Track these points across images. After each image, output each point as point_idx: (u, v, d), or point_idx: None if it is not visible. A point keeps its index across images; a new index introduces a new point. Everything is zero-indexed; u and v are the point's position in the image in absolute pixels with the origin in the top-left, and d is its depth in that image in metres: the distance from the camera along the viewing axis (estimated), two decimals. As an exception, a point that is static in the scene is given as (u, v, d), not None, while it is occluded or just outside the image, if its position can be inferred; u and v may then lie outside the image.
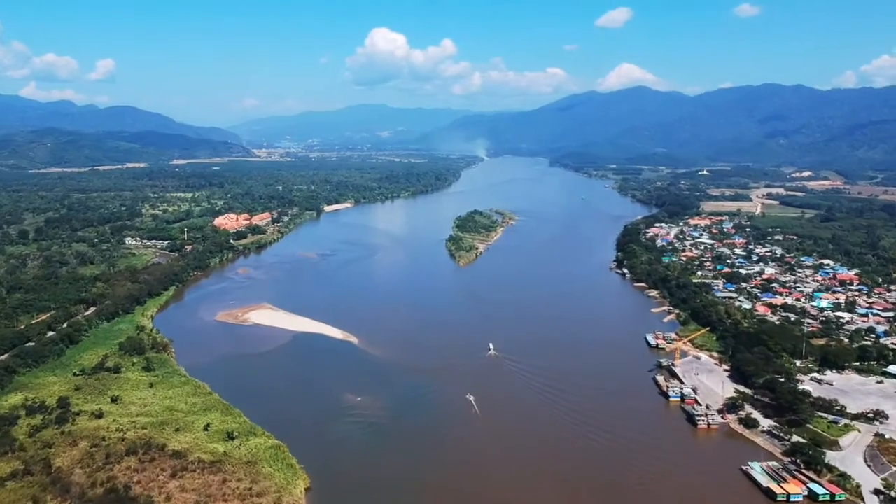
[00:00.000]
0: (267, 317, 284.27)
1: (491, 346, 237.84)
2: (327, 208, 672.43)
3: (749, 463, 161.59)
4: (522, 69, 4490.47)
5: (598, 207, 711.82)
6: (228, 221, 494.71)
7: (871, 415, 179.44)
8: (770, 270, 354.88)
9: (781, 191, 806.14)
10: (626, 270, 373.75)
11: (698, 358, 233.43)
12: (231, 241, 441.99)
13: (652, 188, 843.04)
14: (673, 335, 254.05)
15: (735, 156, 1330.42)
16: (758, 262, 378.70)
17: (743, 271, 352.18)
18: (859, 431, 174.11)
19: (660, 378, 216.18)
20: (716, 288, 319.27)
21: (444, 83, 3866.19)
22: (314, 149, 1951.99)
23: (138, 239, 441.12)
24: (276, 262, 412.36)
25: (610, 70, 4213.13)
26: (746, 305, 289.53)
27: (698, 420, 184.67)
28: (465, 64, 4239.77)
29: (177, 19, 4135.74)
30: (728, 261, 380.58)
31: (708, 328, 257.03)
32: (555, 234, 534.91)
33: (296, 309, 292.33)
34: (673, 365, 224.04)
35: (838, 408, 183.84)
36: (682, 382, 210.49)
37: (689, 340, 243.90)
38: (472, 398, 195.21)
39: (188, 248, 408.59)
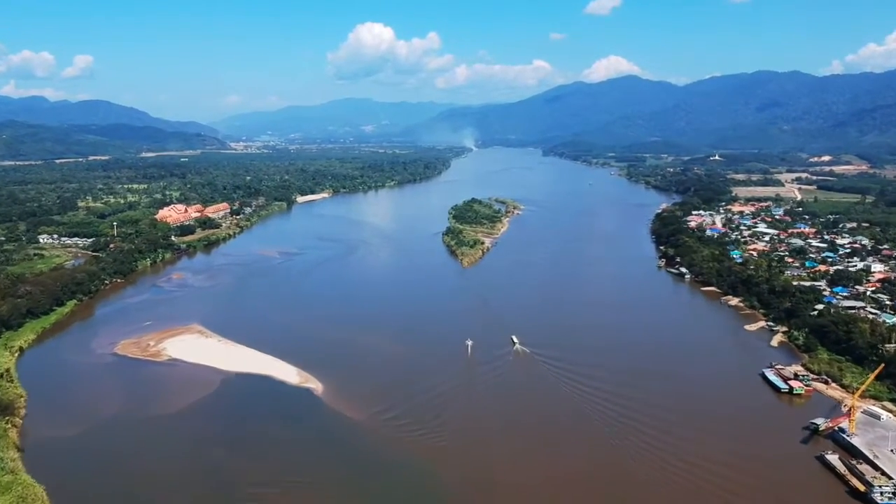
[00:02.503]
0: (191, 347, 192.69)
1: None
2: (300, 199, 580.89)
3: None
4: (508, 62, 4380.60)
5: (611, 195, 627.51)
6: (174, 213, 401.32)
7: None
8: (878, 267, 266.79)
9: (808, 175, 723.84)
10: (683, 269, 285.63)
11: (877, 417, 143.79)
12: (172, 238, 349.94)
13: (668, 174, 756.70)
14: (851, 400, 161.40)
15: (737, 143, 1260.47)
16: (852, 256, 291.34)
17: (840, 268, 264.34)
18: None
19: (834, 460, 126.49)
20: (825, 293, 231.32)
21: (428, 76, 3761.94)
22: (295, 142, 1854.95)
23: (56, 237, 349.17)
24: (224, 263, 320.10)
25: (596, 61, 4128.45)
26: (882, 317, 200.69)
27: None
28: (449, 57, 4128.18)
29: (157, 15, 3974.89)
30: (811, 255, 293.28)
31: (881, 370, 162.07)
32: (570, 224, 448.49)
33: (237, 334, 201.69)
34: (846, 434, 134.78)
35: None
36: (873, 468, 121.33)
37: (863, 391, 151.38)
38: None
39: (111, 246, 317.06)
